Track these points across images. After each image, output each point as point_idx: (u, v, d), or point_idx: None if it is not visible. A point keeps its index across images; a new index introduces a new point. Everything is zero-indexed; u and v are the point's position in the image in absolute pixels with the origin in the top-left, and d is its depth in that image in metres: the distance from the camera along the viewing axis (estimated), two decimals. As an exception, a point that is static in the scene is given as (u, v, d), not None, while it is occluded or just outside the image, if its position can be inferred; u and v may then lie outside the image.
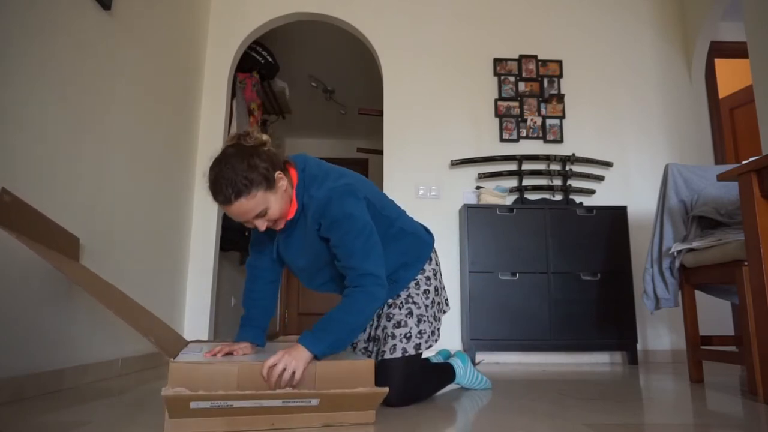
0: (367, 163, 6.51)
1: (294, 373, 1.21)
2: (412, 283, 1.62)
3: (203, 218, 3.24)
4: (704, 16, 3.46)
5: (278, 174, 1.34)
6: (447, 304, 1.78)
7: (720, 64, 3.97)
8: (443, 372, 1.76)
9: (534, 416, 1.41)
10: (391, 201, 1.67)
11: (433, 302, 1.64)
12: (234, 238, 3.59)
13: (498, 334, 2.91)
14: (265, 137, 1.37)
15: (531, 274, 2.99)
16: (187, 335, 3.11)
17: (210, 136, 3.35)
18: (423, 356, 1.68)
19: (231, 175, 1.27)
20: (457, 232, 3.31)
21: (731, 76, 4.42)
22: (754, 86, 2.60)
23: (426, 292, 1.62)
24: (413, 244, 1.62)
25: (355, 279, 1.37)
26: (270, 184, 1.31)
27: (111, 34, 2.25)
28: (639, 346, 3.19)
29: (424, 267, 1.65)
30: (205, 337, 3.12)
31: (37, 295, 1.75)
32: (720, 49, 3.89)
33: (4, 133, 1.60)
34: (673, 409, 1.55)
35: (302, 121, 5.94)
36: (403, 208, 1.71)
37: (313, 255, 1.48)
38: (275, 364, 1.20)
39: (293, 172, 1.43)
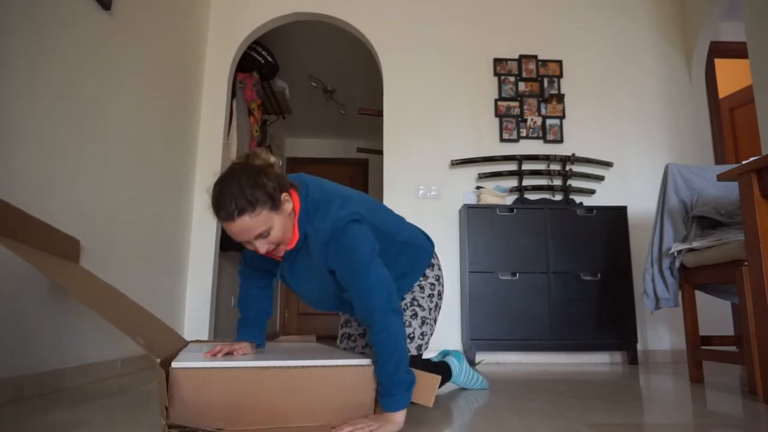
0: (367, 163, 6.52)
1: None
2: (417, 287, 1.64)
3: (203, 218, 3.24)
4: (704, 16, 3.46)
5: (284, 196, 1.30)
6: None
7: (720, 64, 3.97)
8: (440, 371, 1.76)
9: (534, 416, 1.41)
10: (390, 212, 1.63)
11: (436, 306, 1.68)
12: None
13: (498, 334, 2.91)
14: (272, 159, 1.34)
15: (531, 274, 2.99)
16: (187, 335, 3.11)
17: (210, 136, 3.35)
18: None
19: (236, 191, 1.23)
20: (457, 232, 3.31)
21: (731, 76, 4.42)
22: (754, 86, 2.60)
23: (430, 296, 1.65)
24: (413, 255, 1.62)
25: (364, 314, 1.31)
26: (275, 204, 1.26)
27: (111, 34, 2.25)
28: (639, 346, 3.19)
29: (427, 273, 1.67)
30: (205, 337, 3.12)
31: (37, 295, 1.75)
32: (720, 49, 3.89)
33: (4, 132, 1.60)
34: (673, 409, 1.55)
35: (302, 121, 5.94)
36: (401, 214, 1.71)
37: (321, 287, 1.45)
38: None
39: (295, 197, 1.37)
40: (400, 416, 1.22)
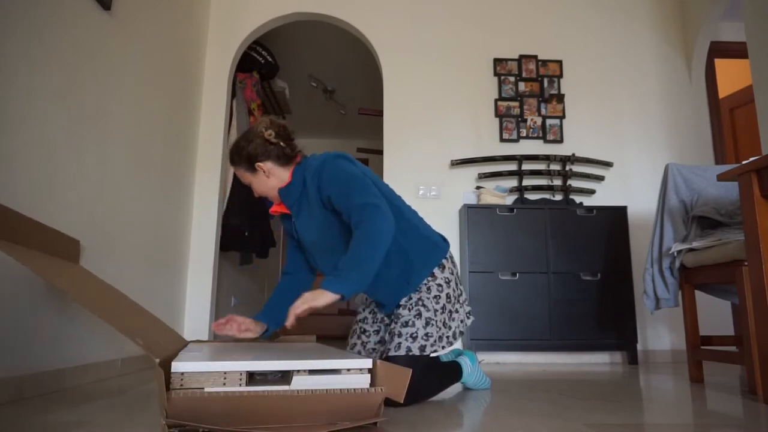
0: (367, 163, 6.52)
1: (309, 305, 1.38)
2: (424, 288, 1.65)
3: (203, 218, 3.24)
4: (704, 16, 3.46)
5: (259, 164, 1.61)
6: (469, 316, 1.78)
7: (720, 64, 3.98)
8: (449, 371, 1.76)
9: (534, 416, 1.41)
10: (409, 207, 1.75)
11: (443, 308, 1.66)
12: (234, 238, 3.59)
13: (498, 334, 2.91)
14: (267, 133, 1.60)
15: (531, 274, 2.99)
16: (187, 335, 3.11)
17: (210, 136, 3.35)
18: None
19: (232, 146, 1.67)
20: (457, 232, 3.31)
21: (731, 76, 4.42)
22: (754, 86, 2.61)
23: (437, 297, 1.65)
24: (424, 247, 1.66)
25: (356, 216, 1.46)
26: (249, 167, 1.63)
27: (111, 34, 2.25)
28: (639, 346, 3.19)
29: (436, 273, 1.67)
30: (205, 337, 3.12)
31: (38, 294, 1.75)
32: (720, 49, 3.89)
33: (3, 133, 1.60)
34: (673, 409, 1.55)
35: (302, 121, 5.94)
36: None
37: (321, 226, 1.60)
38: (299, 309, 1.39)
39: (298, 159, 1.68)
40: (329, 297, 1.38)
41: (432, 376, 1.66)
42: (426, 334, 1.58)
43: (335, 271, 1.39)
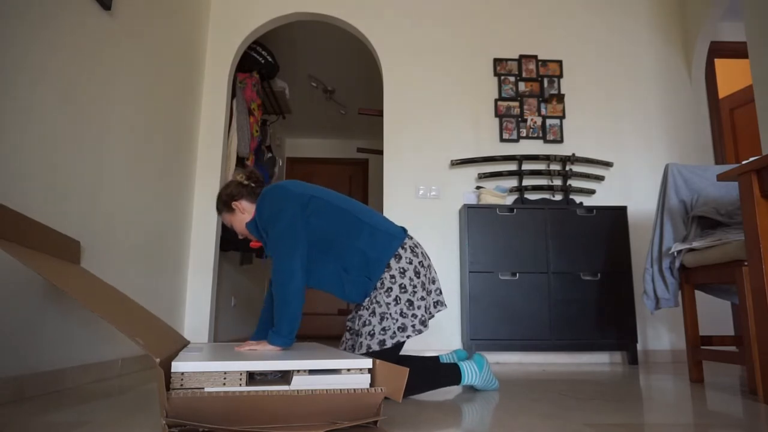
0: (367, 163, 6.52)
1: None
2: (378, 283, 1.71)
3: (203, 218, 3.24)
4: (704, 16, 3.46)
5: (235, 203, 1.80)
6: (437, 306, 1.80)
7: (720, 64, 3.98)
8: (436, 372, 1.75)
9: (534, 416, 1.41)
10: (361, 204, 1.83)
11: (397, 300, 1.70)
12: (234, 238, 3.59)
13: (498, 334, 2.92)
14: (239, 177, 1.84)
15: (531, 274, 2.99)
16: (187, 335, 3.11)
17: (210, 136, 3.35)
18: (433, 354, 1.72)
19: (216, 198, 1.88)
20: (457, 232, 3.31)
21: (731, 76, 4.42)
22: (754, 86, 2.61)
23: (389, 290, 1.70)
24: (380, 238, 1.73)
25: (273, 273, 1.64)
26: (228, 208, 1.81)
27: (111, 34, 2.25)
28: (639, 346, 3.19)
29: (391, 264, 1.72)
30: (205, 337, 3.12)
31: (38, 294, 1.75)
32: (720, 49, 3.89)
33: (3, 133, 1.60)
34: (673, 409, 1.55)
35: (302, 121, 5.94)
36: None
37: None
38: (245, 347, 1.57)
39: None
40: (270, 347, 1.56)
41: (411, 375, 1.66)
42: (383, 329, 1.67)
43: (273, 328, 1.59)
